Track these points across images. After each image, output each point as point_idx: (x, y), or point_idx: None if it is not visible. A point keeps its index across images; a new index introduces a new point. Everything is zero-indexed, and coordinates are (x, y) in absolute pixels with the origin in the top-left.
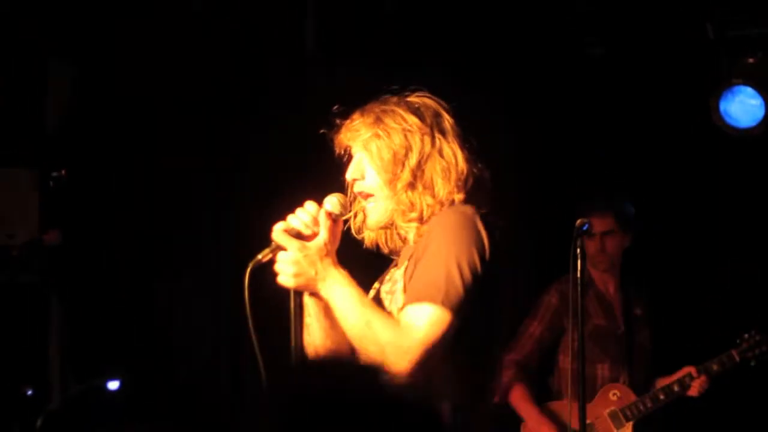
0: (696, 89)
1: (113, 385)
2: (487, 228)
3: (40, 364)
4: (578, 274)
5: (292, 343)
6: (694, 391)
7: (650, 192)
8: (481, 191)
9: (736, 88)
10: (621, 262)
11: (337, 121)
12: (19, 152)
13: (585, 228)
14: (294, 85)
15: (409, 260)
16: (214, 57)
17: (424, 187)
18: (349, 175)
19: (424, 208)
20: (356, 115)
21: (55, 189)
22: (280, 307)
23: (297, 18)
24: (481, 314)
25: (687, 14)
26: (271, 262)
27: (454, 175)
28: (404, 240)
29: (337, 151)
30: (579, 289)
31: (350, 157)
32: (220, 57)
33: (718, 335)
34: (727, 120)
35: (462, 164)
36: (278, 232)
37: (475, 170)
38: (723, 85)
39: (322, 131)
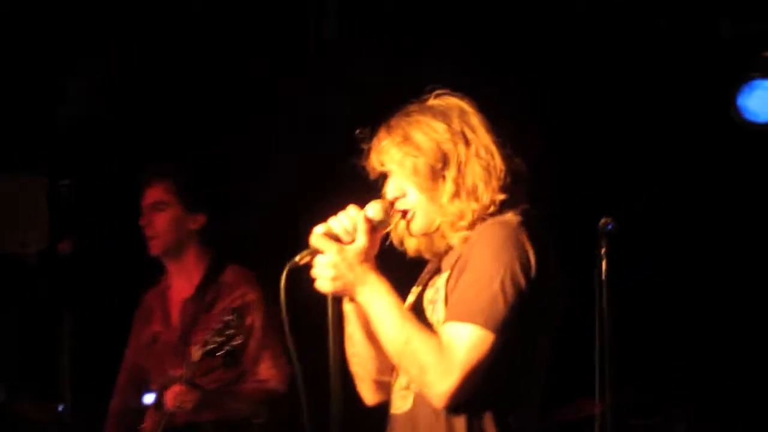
0: (713, 85)
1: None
2: (532, 240)
3: (53, 377)
4: (603, 277)
5: (331, 354)
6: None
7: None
8: (519, 186)
9: (754, 83)
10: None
11: (364, 146)
12: (28, 158)
13: (610, 228)
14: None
15: (452, 269)
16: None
17: (468, 194)
18: (390, 194)
19: (471, 214)
20: (383, 135)
21: (65, 197)
22: (318, 318)
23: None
24: (526, 332)
25: (706, 8)
26: (308, 267)
27: (494, 176)
28: (448, 245)
29: (372, 176)
30: (604, 293)
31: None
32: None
33: (718, 336)
34: (745, 115)
35: (499, 162)
36: (317, 235)
37: (512, 165)
38: (741, 79)
39: (352, 162)
